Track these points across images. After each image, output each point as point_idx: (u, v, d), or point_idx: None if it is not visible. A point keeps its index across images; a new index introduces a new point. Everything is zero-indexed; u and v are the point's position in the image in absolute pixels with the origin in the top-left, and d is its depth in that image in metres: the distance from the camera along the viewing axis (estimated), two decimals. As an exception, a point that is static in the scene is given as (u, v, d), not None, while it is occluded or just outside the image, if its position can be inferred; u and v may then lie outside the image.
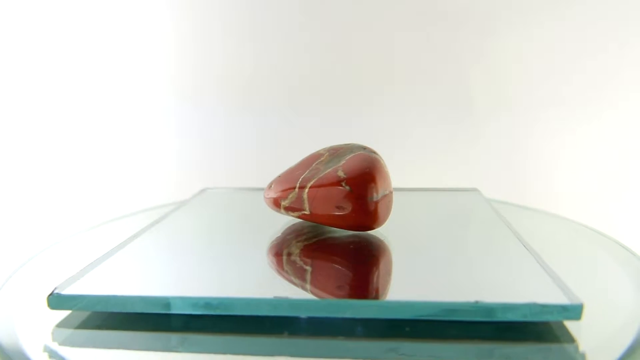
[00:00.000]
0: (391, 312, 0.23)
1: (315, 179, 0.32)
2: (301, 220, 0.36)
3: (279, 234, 0.35)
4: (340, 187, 0.31)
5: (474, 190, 0.45)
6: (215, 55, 0.61)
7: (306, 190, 0.32)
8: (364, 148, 0.35)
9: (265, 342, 0.23)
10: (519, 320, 0.23)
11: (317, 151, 0.37)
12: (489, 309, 0.22)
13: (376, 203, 0.31)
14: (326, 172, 0.33)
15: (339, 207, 0.31)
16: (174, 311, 0.24)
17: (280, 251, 0.32)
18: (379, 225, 0.32)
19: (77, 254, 0.36)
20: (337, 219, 0.32)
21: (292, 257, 0.31)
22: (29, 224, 0.65)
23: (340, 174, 0.32)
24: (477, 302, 0.23)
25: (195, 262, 0.31)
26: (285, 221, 0.37)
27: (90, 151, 0.64)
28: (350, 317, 0.24)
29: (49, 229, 0.64)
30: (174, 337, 0.24)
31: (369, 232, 0.34)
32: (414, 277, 0.28)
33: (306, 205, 0.33)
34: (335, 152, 0.35)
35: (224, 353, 0.23)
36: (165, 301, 0.24)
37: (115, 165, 0.64)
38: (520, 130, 0.59)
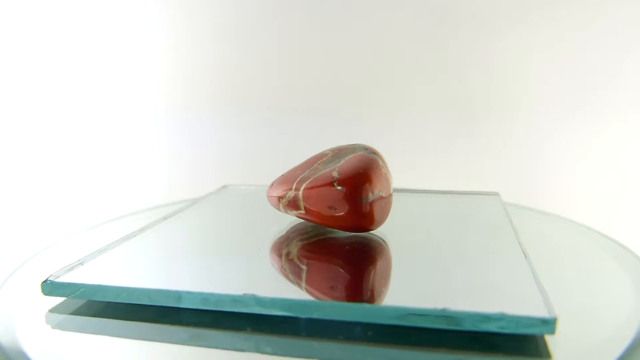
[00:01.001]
0: (353, 314, 0.23)
1: (311, 179, 0.32)
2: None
3: (284, 233, 0.35)
4: (332, 188, 0.31)
5: (495, 194, 0.43)
6: (216, 59, 0.62)
7: (301, 189, 0.32)
8: (366, 149, 0.34)
9: (225, 336, 0.24)
10: (489, 331, 0.21)
11: (323, 151, 0.37)
12: (455, 317, 0.22)
13: (370, 204, 0.30)
14: (323, 172, 0.33)
15: (331, 208, 0.31)
16: (155, 303, 0.25)
17: (281, 250, 0.32)
18: (374, 227, 0.32)
19: (78, 251, 0.36)
20: (331, 219, 0.32)
21: (290, 256, 0.31)
22: (30, 225, 0.66)
23: (335, 174, 0.31)
24: (444, 310, 0.22)
25: (194, 258, 0.32)
26: (293, 219, 0.37)
27: (89, 154, 0.65)
28: (313, 318, 0.23)
29: (46, 230, 0.66)
30: (159, 328, 0.25)
31: (369, 233, 0.33)
32: (400, 280, 0.27)
33: (302, 205, 0.33)
34: (339, 153, 0.35)
35: (215, 347, 0.24)
36: (147, 293, 0.25)
37: (114, 169, 0.66)
38: (520, 130, 0.58)
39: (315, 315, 0.23)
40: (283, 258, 0.31)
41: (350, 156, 0.33)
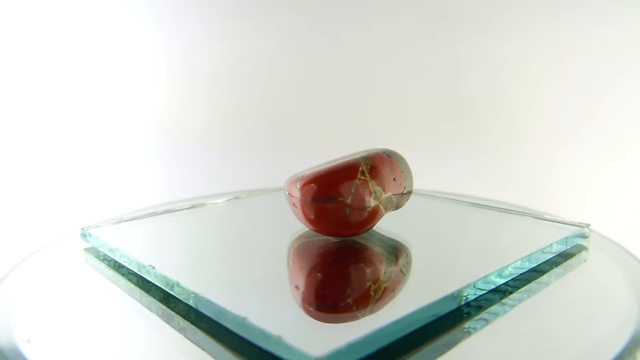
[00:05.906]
0: (205, 308, 0.24)
1: (294, 177, 0.33)
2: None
3: (304, 230, 0.36)
4: (295, 186, 0.31)
5: (583, 225, 0.34)
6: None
7: (287, 185, 0.33)
8: (366, 154, 0.32)
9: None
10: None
11: (351, 153, 0.36)
12: (250, 329, 0.21)
13: (322, 208, 0.29)
14: (307, 172, 0.33)
15: (294, 205, 0.31)
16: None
17: (286, 246, 0.33)
18: (339, 233, 0.31)
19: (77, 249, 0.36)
20: (299, 216, 0.32)
21: (289, 252, 0.32)
22: (31, 227, 0.65)
23: (307, 173, 0.31)
24: (244, 319, 0.21)
25: (211, 246, 0.35)
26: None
27: (88, 157, 0.66)
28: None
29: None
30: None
31: (362, 237, 0.33)
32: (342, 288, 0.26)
33: (287, 200, 0.33)
34: (352, 156, 0.34)
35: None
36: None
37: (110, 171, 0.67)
38: (520, 132, 0.59)
39: (190, 303, 0.25)
40: (285, 253, 0.33)
41: (348, 158, 0.32)
